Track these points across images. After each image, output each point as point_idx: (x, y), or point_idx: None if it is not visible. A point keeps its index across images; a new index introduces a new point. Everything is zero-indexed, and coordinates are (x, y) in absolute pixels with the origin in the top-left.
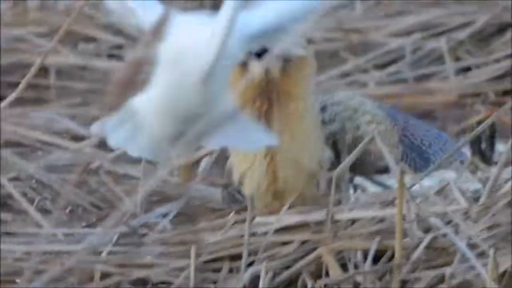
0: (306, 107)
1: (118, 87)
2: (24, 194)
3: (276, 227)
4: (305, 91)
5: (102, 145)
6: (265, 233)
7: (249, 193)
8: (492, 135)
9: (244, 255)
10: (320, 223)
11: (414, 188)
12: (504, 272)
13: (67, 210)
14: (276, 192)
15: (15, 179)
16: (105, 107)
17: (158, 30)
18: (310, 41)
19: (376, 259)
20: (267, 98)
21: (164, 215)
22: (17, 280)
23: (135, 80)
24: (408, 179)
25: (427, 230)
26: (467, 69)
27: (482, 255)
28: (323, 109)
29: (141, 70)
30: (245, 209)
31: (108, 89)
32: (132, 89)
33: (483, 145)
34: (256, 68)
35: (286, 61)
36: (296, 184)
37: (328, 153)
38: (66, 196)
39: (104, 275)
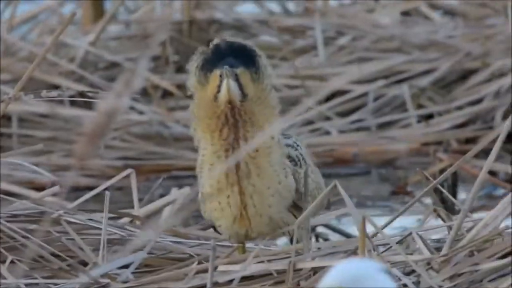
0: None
1: (88, 137)
2: None
3: (239, 277)
4: (267, 119)
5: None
6: (229, 282)
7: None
8: (454, 183)
9: None
10: (282, 272)
11: (376, 237)
12: None
13: (30, 260)
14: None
15: None
16: (75, 156)
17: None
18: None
19: None
20: (233, 127)
21: (126, 266)
22: None
23: (106, 130)
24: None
25: None
26: (430, 116)
27: None
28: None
29: (112, 120)
30: (207, 259)
31: (79, 138)
32: (102, 139)
33: (445, 194)
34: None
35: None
36: (263, 211)
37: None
38: (28, 246)
39: None
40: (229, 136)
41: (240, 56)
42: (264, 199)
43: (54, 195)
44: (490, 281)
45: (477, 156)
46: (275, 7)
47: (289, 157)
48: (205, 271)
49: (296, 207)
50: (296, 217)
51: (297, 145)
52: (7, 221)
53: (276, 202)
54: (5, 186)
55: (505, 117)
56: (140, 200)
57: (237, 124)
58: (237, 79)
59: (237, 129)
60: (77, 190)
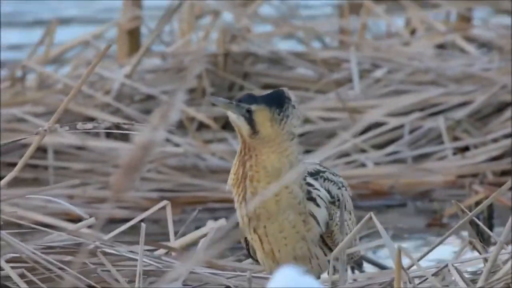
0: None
1: (125, 170)
2: (22, 276)
3: None
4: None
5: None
6: None
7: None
8: (490, 216)
9: None
10: None
11: (411, 269)
12: None
13: None
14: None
15: (13, 260)
16: (112, 189)
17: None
18: (307, 121)
19: None
20: (242, 163)
21: None
22: None
23: (142, 163)
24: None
25: None
26: (465, 149)
27: None
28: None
29: (148, 153)
30: None
31: (115, 171)
32: (138, 171)
33: (481, 226)
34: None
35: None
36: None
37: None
38: (64, 277)
39: None
40: (238, 170)
41: (271, 98)
42: (278, 241)
43: (89, 227)
44: None
45: None
46: (310, 40)
47: (328, 191)
48: None
49: (325, 246)
50: (325, 254)
51: (342, 186)
52: (43, 253)
53: (294, 242)
54: (41, 217)
55: None
56: (175, 232)
57: (245, 161)
58: (250, 115)
59: (244, 166)
60: (112, 222)
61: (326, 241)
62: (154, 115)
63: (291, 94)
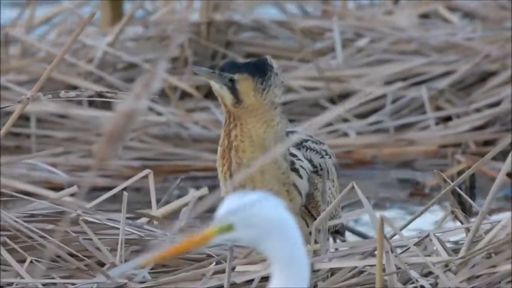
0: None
1: (108, 138)
2: (4, 244)
3: (258, 277)
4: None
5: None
6: (247, 282)
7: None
8: (472, 186)
9: None
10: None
11: (394, 238)
12: None
13: (47, 260)
14: None
15: None
16: (95, 157)
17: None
18: (290, 90)
19: None
20: (227, 134)
21: (144, 266)
22: None
23: (125, 132)
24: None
25: (406, 282)
26: (448, 118)
27: None
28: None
29: (131, 121)
30: (225, 259)
31: (98, 140)
32: (121, 140)
33: (463, 196)
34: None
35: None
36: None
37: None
38: (46, 246)
39: None
40: (224, 141)
41: (255, 67)
42: None
43: (71, 195)
44: (507, 283)
45: (495, 158)
46: (293, 9)
47: (310, 161)
48: (222, 271)
49: (308, 214)
50: (307, 225)
51: (326, 154)
52: (25, 221)
53: None
54: (23, 186)
55: None
56: (158, 200)
57: (230, 131)
58: (232, 84)
59: (229, 136)
60: (95, 191)
61: (311, 212)
62: (136, 84)
63: (274, 62)
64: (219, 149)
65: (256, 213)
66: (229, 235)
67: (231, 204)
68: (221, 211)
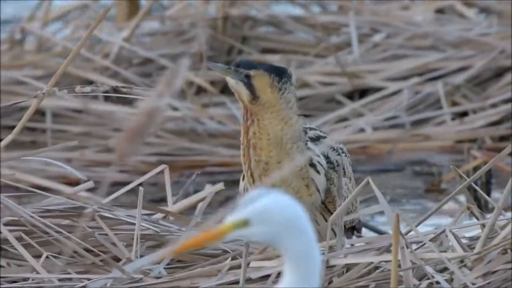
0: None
1: (129, 135)
2: (20, 239)
3: (275, 272)
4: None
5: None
6: (262, 278)
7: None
8: (488, 181)
9: None
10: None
11: (409, 234)
12: None
13: (63, 256)
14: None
15: (10, 223)
16: (116, 155)
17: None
18: (305, 85)
19: None
20: (246, 131)
21: (159, 261)
22: None
23: (146, 129)
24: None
25: (422, 278)
26: (464, 114)
27: None
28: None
29: (153, 119)
30: (240, 254)
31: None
32: (142, 138)
33: (479, 191)
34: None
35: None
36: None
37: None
38: (62, 241)
39: None
40: (244, 139)
41: (272, 67)
42: None
43: (88, 190)
44: None
45: (511, 153)
46: (309, 4)
47: (327, 157)
48: (238, 267)
49: (326, 209)
50: (326, 220)
51: (342, 152)
52: (41, 216)
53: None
54: (39, 180)
55: None
56: (173, 195)
57: (248, 128)
58: (248, 80)
59: (248, 133)
60: (111, 186)
61: (328, 207)
62: (159, 82)
63: (292, 73)
64: (241, 147)
65: (272, 210)
66: (245, 231)
67: (248, 200)
68: (238, 207)
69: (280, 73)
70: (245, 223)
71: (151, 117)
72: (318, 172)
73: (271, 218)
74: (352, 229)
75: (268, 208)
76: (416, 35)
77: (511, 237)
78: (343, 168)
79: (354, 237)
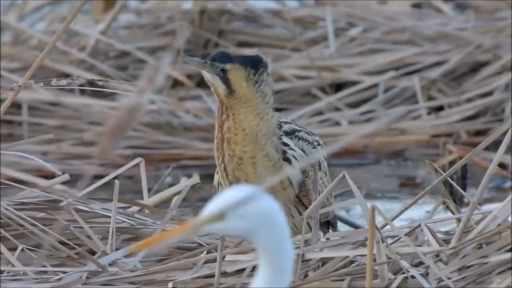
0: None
1: (111, 131)
2: None
3: (250, 266)
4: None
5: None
6: (237, 271)
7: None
8: (463, 176)
9: None
10: None
11: (385, 228)
12: None
13: (38, 248)
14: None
15: None
16: (98, 150)
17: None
18: (281, 79)
19: None
20: (220, 125)
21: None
22: None
23: (128, 125)
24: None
25: (397, 272)
26: (440, 108)
27: None
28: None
29: (135, 115)
30: (216, 248)
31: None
32: (124, 133)
33: (455, 186)
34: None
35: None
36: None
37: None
38: (36, 234)
39: None
40: (218, 134)
41: (247, 59)
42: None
43: (63, 183)
44: (498, 273)
45: (487, 148)
46: None
47: (302, 151)
48: (213, 260)
49: (300, 203)
50: (300, 214)
51: (318, 145)
52: (16, 209)
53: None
54: (14, 173)
55: None
56: (149, 189)
57: (223, 122)
58: (224, 74)
59: (222, 127)
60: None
61: (303, 201)
62: (141, 78)
63: (268, 62)
64: (215, 141)
65: (247, 205)
66: (220, 225)
67: (224, 195)
68: (214, 201)
69: (256, 65)
70: (220, 217)
71: (133, 113)
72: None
73: (246, 213)
74: (327, 224)
75: (243, 202)
76: (393, 29)
77: (486, 232)
78: (319, 162)
79: (329, 231)
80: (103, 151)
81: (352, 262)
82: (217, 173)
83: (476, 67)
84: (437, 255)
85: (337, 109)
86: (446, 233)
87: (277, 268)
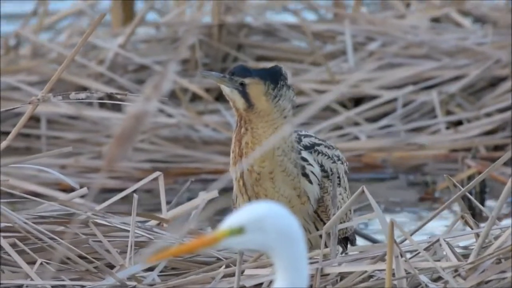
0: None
1: (118, 140)
2: (14, 245)
3: (267, 281)
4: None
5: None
6: (256, 286)
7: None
8: (482, 190)
9: None
10: (310, 276)
11: (403, 243)
12: None
13: (57, 262)
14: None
15: (4, 230)
16: (105, 159)
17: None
18: (301, 93)
19: None
20: (238, 139)
21: (153, 268)
22: None
23: (135, 133)
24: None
25: (416, 287)
26: (458, 123)
27: None
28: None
29: (141, 123)
30: (234, 262)
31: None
32: (131, 142)
33: (473, 201)
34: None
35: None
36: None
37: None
38: (56, 248)
39: None
40: (235, 148)
41: (266, 72)
42: None
43: (82, 197)
44: None
45: (505, 163)
46: (305, 12)
47: (321, 165)
48: (232, 275)
49: (318, 219)
50: (317, 229)
51: (338, 159)
52: (35, 223)
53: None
54: (33, 187)
55: None
56: (167, 203)
57: (241, 137)
58: (243, 88)
59: (240, 143)
60: (105, 192)
61: (321, 216)
62: (147, 86)
63: (287, 73)
64: (231, 155)
65: (266, 219)
66: (239, 238)
67: (244, 210)
68: (234, 215)
69: (275, 79)
70: (239, 231)
71: (139, 120)
72: (311, 182)
73: (265, 227)
74: (346, 240)
75: (262, 216)
76: (411, 43)
77: (505, 247)
78: (338, 177)
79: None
80: (111, 160)
81: (370, 276)
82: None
83: (494, 82)
84: (456, 270)
85: (356, 123)
86: (465, 247)
87: (292, 283)
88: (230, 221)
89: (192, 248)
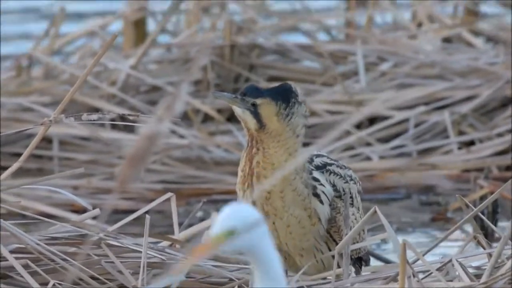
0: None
1: (130, 161)
2: (27, 267)
3: None
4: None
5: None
6: None
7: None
8: (494, 211)
9: None
10: None
11: (416, 263)
12: None
13: (70, 284)
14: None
15: (17, 251)
16: (117, 180)
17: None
18: (313, 113)
19: None
20: (249, 159)
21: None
22: None
23: (147, 154)
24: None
25: None
26: (471, 143)
27: None
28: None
29: (153, 144)
30: (247, 283)
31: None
32: (143, 163)
33: (486, 221)
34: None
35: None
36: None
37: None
38: (68, 269)
39: None
40: (245, 167)
41: (277, 92)
42: (286, 236)
43: (94, 218)
44: None
45: None
46: (317, 32)
47: (333, 185)
48: None
49: (330, 239)
50: (329, 249)
51: (350, 179)
52: (47, 244)
53: (300, 236)
54: (46, 208)
55: None
56: (180, 223)
57: (252, 157)
58: (255, 108)
59: (251, 162)
60: (117, 213)
61: (334, 237)
62: (159, 107)
63: (298, 90)
64: (240, 173)
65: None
66: (232, 242)
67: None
68: (218, 221)
69: (287, 98)
70: (232, 232)
71: (151, 141)
72: (322, 202)
73: (250, 225)
74: (360, 261)
75: (247, 215)
76: (423, 64)
77: None
78: (351, 197)
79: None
80: (123, 181)
81: None
82: None
83: (506, 102)
84: None
85: (368, 144)
86: (478, 268)
87: (272, 277)
88: (219, 227)
89: (194, 259)
